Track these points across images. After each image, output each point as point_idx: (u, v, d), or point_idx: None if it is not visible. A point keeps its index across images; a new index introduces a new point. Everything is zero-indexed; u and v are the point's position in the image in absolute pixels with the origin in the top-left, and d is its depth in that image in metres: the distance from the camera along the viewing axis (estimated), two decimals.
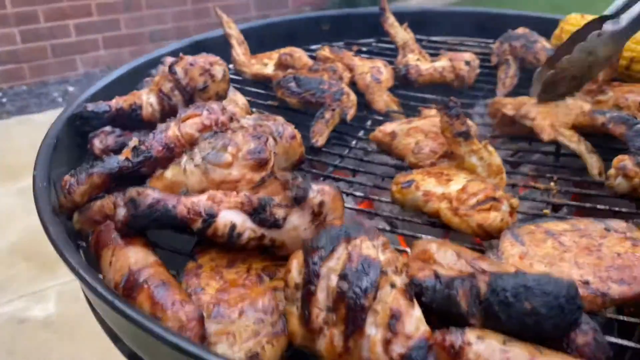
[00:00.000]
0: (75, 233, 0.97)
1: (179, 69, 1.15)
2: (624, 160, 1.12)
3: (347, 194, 1.22)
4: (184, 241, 0.94)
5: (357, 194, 1.20)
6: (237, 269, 0.85)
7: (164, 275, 0.78)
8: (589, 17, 1.66)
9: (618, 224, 0.95)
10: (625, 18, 1.17)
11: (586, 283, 0.81)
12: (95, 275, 0.76)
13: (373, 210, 1.30)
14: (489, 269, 0.80)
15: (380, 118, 1.51)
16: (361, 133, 1.46)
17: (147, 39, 6.29)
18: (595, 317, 0.81)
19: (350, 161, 1.36)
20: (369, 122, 1.52)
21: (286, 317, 0.73)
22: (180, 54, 1.26)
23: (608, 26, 1.18)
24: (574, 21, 1.67)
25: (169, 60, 1.42)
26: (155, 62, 1.50)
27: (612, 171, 1.13)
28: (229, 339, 0.72)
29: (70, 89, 5.86)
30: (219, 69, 1.17)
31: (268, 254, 0.86)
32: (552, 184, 1.20)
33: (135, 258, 0.80)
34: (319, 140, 1.34)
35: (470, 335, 0.66)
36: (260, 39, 1.83)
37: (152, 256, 0.83)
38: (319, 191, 0.84)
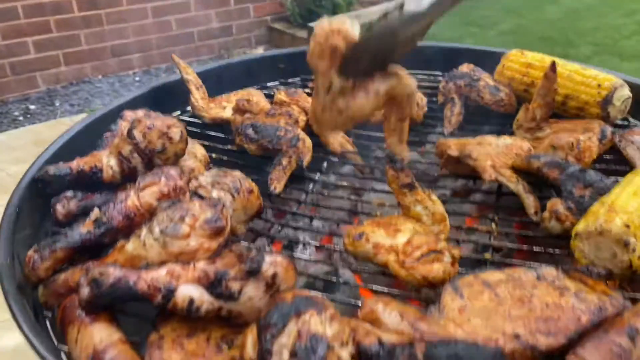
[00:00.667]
0: (41, 304, 1.01)
1: (137, 133, 1.20)
2: (557, 205, 1.21)
3: (304, 244, 1.29)
4: (148, 306, 0.99)
5: (314, 243, 1.28)
6: (197, 338, 0.90)
7: (129, 353, 0.83)
8: (529, 54, 1.77)
9: (549, 271, 1.04)
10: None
11: (517, 337, 0.89)
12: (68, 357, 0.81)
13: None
14: (428, 331, 0.88)
15: (336, 159, 1.59)
16: (317, 175, 1.53)
17: (109, 54, 6.25)
18: None
19: (309, 206, 1.43)
20: (324, 163, 1.59)
21: None
22: (140, 114, 1.31)
23: (410, 6, 1.06)
24: (513, 58, 1.77)
25: (128, 114, 1.46)
26: (115, 113, 1.53)
27: (546, 214, 1.23)
28: None
29: (32, 107, 5.78)
30: (176, 130, 1.22)
31: (226, 323, 0.92)
32: (493, 225, 1.29)
33: (100, 336, 0.85)
34: (277, 187, 1.41)
35: None
36: (219, 80, 1.88)
37: (117, 333, 0.88)
38: (272, 263, 0.90)
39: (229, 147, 1.61)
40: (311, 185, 1.49)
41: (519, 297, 0.98)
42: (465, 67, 1.79)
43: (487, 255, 1.20)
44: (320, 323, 0.79)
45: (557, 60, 1.68)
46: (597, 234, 1.05)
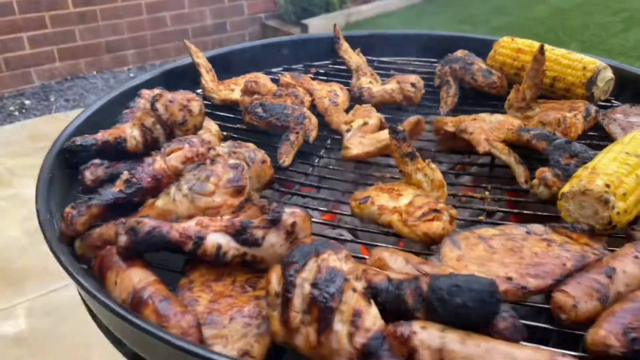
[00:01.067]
0: (77, 257, 1.10)
1: (159, 106, 1.30)
2: (545, 172, 1.33)
3: (313, 209, 1.39)
4: (175, 260, 1.09)
5: (322, 208, 1.38)
6: (223, 282, 1.01)
7: (165, 292, 0.93)
8: (519, 40, 1.89)
9: (537, 227, 1.15)
10: None
11: (509, 279, 1.01)
12: (108, 296, 0.90)
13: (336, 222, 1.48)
14: (430, 272, 0.98)
15: (338, 137, 1.69)
16: (322, 152, 1.64)
17: (103, 50, 6.30)
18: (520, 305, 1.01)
19: (315, 178, 1.53)
20: (329, 141, 1.69)
21: (269, 320, 0.90)
22: (158, 92, 1.40)
23: None
24: (505, 44, 1.89)
25: (146, 92, 1.56)
26: (131, 93, 1.63)
27: (535, 181, 1.34)
28: (223, 341, 0.87)
29: (27, 102, 5.82)
30: (195, 104, 1.32)
31: (249, 268, 1.02)
32: (486, 193, 1.40)
33: (138, 278, 0.95)
34: (286, 160, 1.51)
35: (416, 326, 0.84)
36: (227, 65, 1.98)
37: (152, 275, 0.98)
38: (291, 214, 1.01)
39: (239, 125, 1.71)
40: (317, 160, 1.60)
41: (511, 247, 1.09)
42: (459, 53, 1.91)
43: (481, 218, 1.31)
44: (337, 260, 0.89)
45: (546, 45, 1.80)
46: (581, 194, 1.16)
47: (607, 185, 1.14)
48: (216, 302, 0.96)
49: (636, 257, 1.00)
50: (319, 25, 6.68)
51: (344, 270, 0.88)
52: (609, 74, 1.68)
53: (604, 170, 1.18)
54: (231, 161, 1.27)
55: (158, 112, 1.30)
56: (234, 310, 0.94)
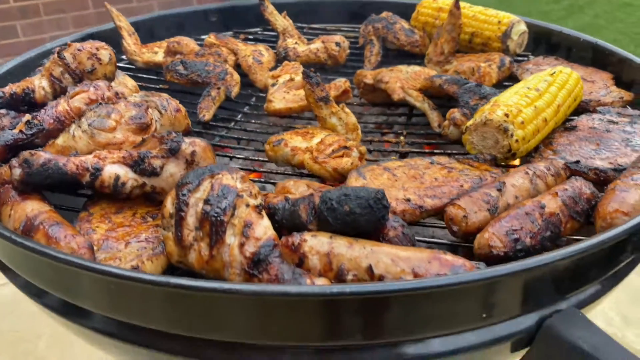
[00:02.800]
0: None
1: (67, 55, 1.28)
2: (454, 112, 1.36)
3: (232, 158, 1.39)
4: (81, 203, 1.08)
5: (241, 156, 1.39)
6: (124, 214, 1.00)
7: (58, 218, 0.92)
8: (441, 1, 1.94)
9: (441, 158, 1.19)
10: None
11: (408, 200, 1.03)
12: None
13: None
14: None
15: (263, 95, 1.70)
16: (246, 108, 1.64)
17: None
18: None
19: (237, 132, 1.53)
20: (253, 99, 1.70)
21: (164, 242, 0.89)
22: (68, 42, 1.38)
23: None
24: (426, 4, 1.93)
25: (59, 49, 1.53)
26: (47, 53, 1.60)
27: (446, 122, 1.38)
28: (115, 262, 0.87)
29: None
30: (105, 52, 1.30)
31: (151, 201, 1.02)
32: (401, 137, 1.43)
33: (32, 207, 0.93)
34: (206, 115, 1.50)
35: (307, 235, 0.85)
36: (151, 31, 1.96)
37: (47, 206, 0.96)
38: (191, 143, 1.01)
39: (161, 86, 1.70)
40: (240, 116, 1.60)
41: (413, 175, 1.12)
42: (384, 14, 1.94)
43: (393, 158, 1.34)
44: (232, 179, 0.90)
45: (464, 2, 1.86)
46: (482, 125, 1.20)
47: (506, 115, 1.18)
48: (114, 231, 0.95)
49: (526, 172, 1.04)
50: None
51: (237, 187, 0.89)
52: (522, 27, 1.74)
53: (505, 102, 1.23)
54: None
55: (66, 60, 1.28)
56: (131, 236, 0.94)
